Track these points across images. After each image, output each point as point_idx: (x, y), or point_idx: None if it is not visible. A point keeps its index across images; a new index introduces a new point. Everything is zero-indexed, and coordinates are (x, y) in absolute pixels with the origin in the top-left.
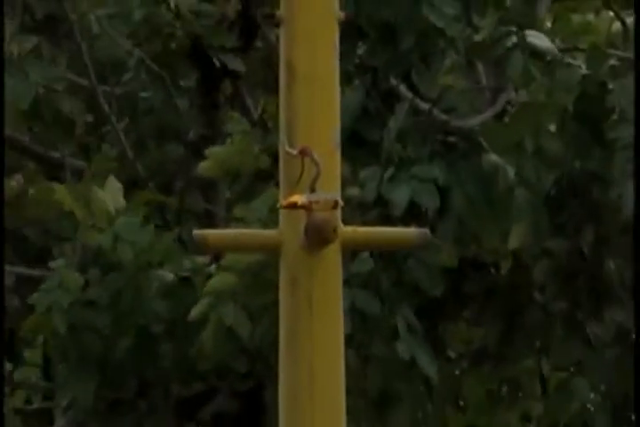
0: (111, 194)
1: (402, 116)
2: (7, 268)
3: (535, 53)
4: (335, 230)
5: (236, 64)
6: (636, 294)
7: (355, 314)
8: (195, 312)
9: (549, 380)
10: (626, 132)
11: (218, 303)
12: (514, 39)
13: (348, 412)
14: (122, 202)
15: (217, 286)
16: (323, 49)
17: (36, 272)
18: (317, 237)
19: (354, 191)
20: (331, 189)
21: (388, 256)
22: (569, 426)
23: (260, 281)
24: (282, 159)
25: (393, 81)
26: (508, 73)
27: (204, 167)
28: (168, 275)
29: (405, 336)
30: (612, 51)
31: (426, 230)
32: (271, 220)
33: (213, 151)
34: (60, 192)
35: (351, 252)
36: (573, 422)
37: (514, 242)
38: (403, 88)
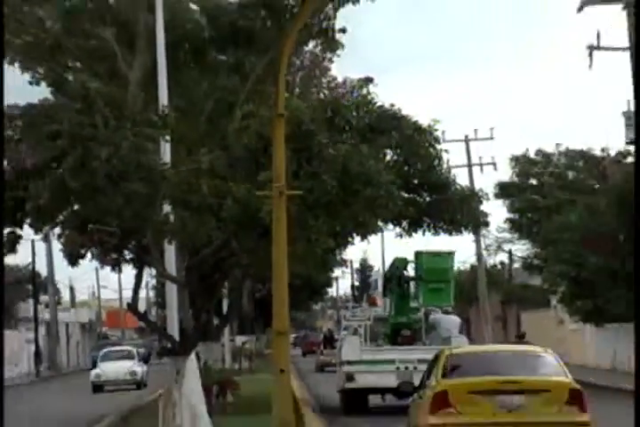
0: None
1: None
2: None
3: None
4: (283, 193)
5: None
6: (637, 293)
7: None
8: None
9: None
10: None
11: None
12: None
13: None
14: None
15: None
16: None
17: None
18: (279, 195)
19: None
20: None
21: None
22: None
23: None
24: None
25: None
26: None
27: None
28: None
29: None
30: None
31: (298, 191)
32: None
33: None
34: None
35: (291, 197)
36: None
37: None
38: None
